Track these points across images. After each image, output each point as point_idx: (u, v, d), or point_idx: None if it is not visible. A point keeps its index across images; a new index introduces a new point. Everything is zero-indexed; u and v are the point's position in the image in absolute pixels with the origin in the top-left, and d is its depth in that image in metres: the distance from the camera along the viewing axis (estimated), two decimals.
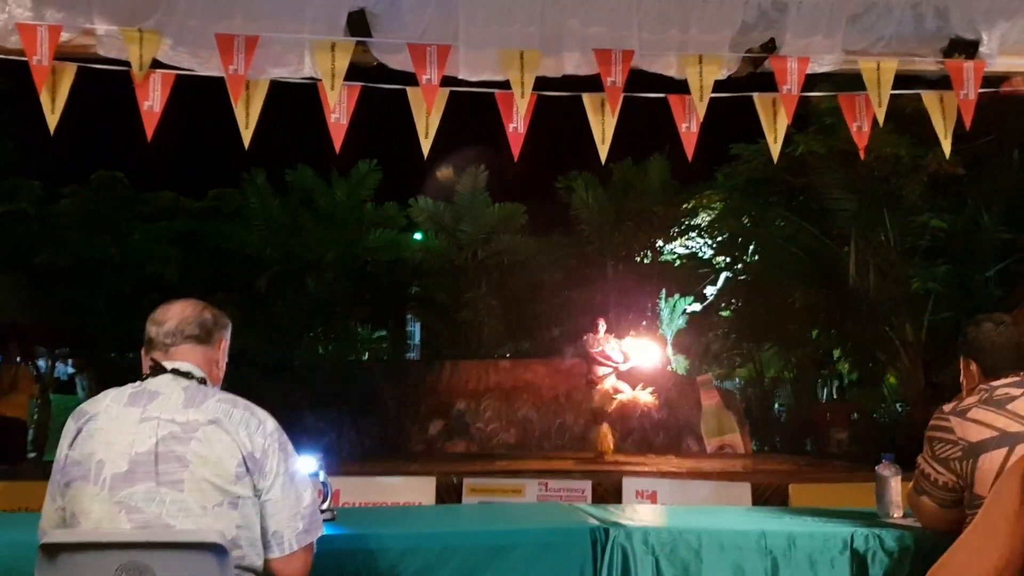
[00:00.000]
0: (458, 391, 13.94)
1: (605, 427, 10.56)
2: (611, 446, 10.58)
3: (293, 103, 5.04)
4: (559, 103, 4.44)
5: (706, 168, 16.78)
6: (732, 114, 4.82)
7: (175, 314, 2.37)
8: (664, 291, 18.98)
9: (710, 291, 19.35)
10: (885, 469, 3.27)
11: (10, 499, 7.46)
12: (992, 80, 4.38)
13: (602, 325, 10.95)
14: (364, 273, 17.58)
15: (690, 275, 19.06)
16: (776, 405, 18.38)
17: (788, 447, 15.50)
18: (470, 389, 13.96)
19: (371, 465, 10.27)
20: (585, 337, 10.97)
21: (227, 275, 15.84)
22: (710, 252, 19.53)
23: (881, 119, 4.26)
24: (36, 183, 15.11)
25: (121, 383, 2.29)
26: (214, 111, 4.72)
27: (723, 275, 18.97)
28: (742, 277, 18.09)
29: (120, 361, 15.40)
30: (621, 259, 18.85)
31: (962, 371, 2.94)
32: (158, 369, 2.29)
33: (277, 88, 4.26)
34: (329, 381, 13.83)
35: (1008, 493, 1.70)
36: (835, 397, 16.52)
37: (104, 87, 4.63)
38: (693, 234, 19.80)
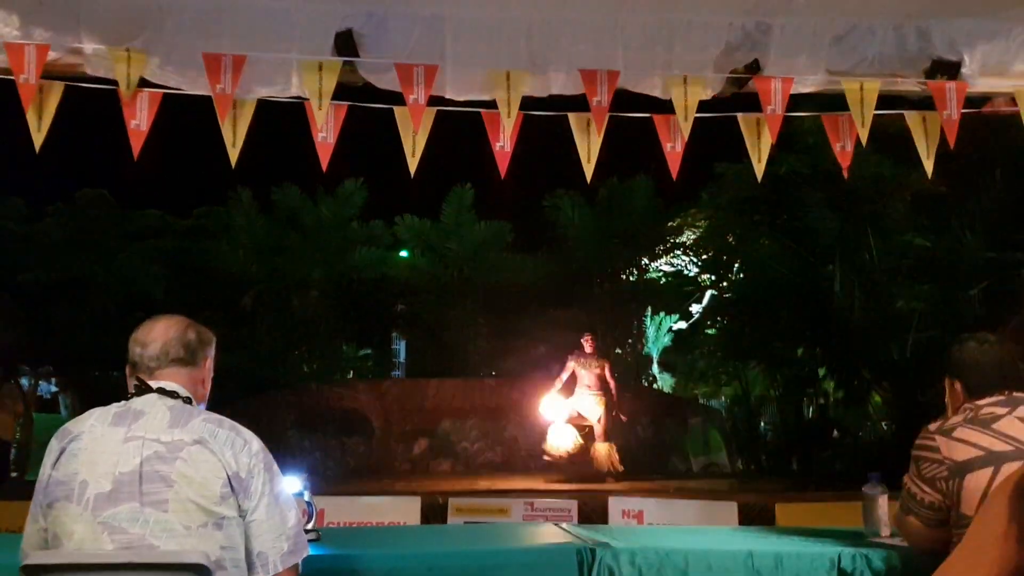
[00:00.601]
0: (443, 410, 13.90)
1: (606, 446, 10.57)
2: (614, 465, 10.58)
3: (279, 121, 5.04)
4: (545, 122, 4.47)
5: (691, 187, 16.86)
6: (717, 133, 4.85)
7: (159, 335, 2.35)
8: (650, 309, 19.00)
9: (695, 309, 19.39)
10: (872, 488, 3.28)
11: None
12: (974, 100, 4.43)
13: (586, 344, 10.87)
14: (350, 291, 17.57)
15: (675, 293, 19.09)
16: (762, 424, 18.40)
17: (774, 466, 15.50)
18: (455, 408, 13.92)
19: (356, 484, 10.22)
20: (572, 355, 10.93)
21: (212, 293, 15.80)
22: (695, 270, 19.58)
23: (864, 139, 4.30)
24: (20, 200, 15.05)
25: (104, 402, 2.27)
26: (200, 129, 4.72)
27: (708, 293, 19.01)
28: (727, 295, 18.12)
29: (104, 380, 15.33)
30: (607, 277, 18.87)
31: (947, 390, 2.94)
32: (143, 388, 2.28)
33: (263, 106, 4.27)
34: (314, 399, 13.78)
35: (995, 514, 1.70)
36: (820, 416, 16.53)
37: (90, 105, 4.63)
38: (678, 252, 19.85)
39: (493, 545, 3.22)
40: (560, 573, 2.85)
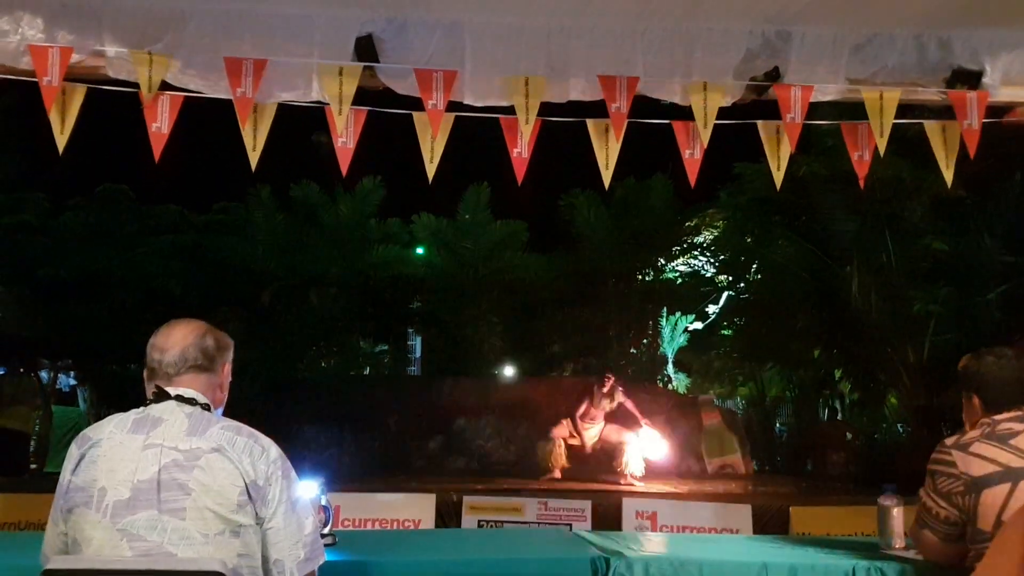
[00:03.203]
0: (458, 407, 13.90)
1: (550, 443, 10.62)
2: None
3: (299, 121, 5.07)
4: (563, 124, 4.47)
5: (709, 185, 16.77)
6: (736, 133, 4.84)
7: (177, 342, 2.36)
8: (665, 309, 18.95)
9: (712, 310, 19.34)
10: (887, 500, 3.27)
11: (12, 512, 7.50)
12: (995, 110, 4.40)
13: (608, 382, 10.57)
14: (367, 288, 17.58)
15: (692, 293, 19.02)
16: (777, 425, 18.34)
17: (789, 467, 15.47)
18: (470, 406, 13.93)
19: (371, 480, 10.26)
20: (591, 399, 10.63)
21: (231, 289, 15.83)
22: (712, 271, 19.52)
23: (883, 149, 4.28)
24: (42, 195, 15.10)
25: (122, 395, 2.30)
26: (220, 128, 4.75)
27: (725, 294, 18.96)
28: (744, 296, 18.06)
29: (121, 373, 15.41)
30: (622, 277, 18.79)
31: (964, 405, 2.93)
32: (162, 395, 2.30)
33: (283, 106, 4.29)
34: (331, 395, 13.81)
35: (1014, 539, 1.69)
36: (837, 418, 16.48)
37: (112, 104, 4.66)
38: (695, 253, 19.79)
39: (509, 553, 3.23)
40: None
